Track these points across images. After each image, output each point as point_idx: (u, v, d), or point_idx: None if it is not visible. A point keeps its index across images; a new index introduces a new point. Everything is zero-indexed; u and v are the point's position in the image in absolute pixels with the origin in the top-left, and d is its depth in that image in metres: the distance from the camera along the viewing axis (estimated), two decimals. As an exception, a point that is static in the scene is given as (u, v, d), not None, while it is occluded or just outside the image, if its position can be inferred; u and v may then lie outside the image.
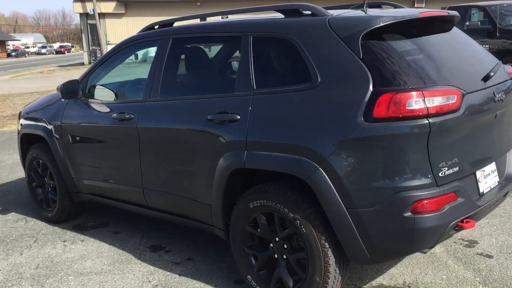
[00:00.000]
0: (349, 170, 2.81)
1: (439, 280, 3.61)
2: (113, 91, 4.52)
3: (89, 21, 36.02)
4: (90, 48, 35.67)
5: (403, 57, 2.92)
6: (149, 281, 3.81)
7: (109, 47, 18.81)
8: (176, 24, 4.12)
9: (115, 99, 4.42)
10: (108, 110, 4.27)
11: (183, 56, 4.01)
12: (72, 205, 5.01)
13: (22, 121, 5.29)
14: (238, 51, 3.63)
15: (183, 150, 3.67)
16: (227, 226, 3.55)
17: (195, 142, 3.56)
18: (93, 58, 32.82)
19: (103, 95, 4.48)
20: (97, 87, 4.53)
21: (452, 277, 3.64)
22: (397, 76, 2.80)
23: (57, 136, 4.75)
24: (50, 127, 4.81)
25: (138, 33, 4.33)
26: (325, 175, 2.86)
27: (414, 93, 2.71)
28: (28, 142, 5.33)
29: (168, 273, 3.93)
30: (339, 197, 2.85)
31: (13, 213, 5.51)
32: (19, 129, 5.33)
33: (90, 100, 4.49)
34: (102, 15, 35.02)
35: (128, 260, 4.20)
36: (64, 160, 4.75)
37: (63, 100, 4.77)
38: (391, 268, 3.81)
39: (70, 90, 4.47)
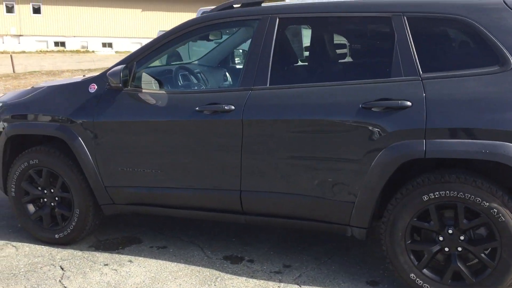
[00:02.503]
0: None
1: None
2: (177, 80, 3.81)
3: None
4: None
5: None
6: (275, 296, 3.32)
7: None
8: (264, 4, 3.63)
9: (184, 89, 3.72)
10: (184, 102, 3.58)
11: (299, 39, 3.55)
12: (95, 220, 4.10)
13: (7, 119, 4.13)
14: (382, 33, 3.33)
15: (319, 144, 3.26)
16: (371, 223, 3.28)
17: (339, 134, 3.19)
18: None
19: (164, 84, 3.74)
20: (154, 75, 3.77)
21: None
22: None
23: (86, 137, 3.83)
24: (73, 126, 3.85)
25: (209, 13, 3.71)
26: None
27: None
28: (14, 146, 4.19)
29: (284, 284, 3.46)
30: None
31: (-14, 239, 4.30)
32: (3, 129, 4.15)
33: (146, 91, 3.71)
34: None
35: (216, 276, 3.59)
36: (94, 166, 3.84)
37: (92, 91, 3.86)
38: None
39: (122, 79, 3.62)
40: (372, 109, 3.09)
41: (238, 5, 3.66)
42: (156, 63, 4.08)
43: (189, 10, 33.04)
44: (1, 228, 4.53)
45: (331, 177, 3.27)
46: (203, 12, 12.30)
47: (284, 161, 3.37)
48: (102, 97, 3.81)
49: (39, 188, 4.13)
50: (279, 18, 3.44)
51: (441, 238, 3.11)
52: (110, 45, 33.66)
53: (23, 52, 30.57)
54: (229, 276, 3.59)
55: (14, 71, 18.27)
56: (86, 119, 3.82)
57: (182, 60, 7.16)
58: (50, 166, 4.00)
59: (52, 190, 4.09)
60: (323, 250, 3.94)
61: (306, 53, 3.62)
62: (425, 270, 3.18)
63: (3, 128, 4.13)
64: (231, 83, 3.80)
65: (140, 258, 3.89)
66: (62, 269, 3.76)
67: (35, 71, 18.78)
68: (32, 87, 4.60)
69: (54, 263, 3.85)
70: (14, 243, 4.21)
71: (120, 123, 3.75)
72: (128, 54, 3.97)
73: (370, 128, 3.10)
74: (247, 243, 4.08)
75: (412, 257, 3.19)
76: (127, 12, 33.02)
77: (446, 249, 3.12)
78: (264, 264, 3.75)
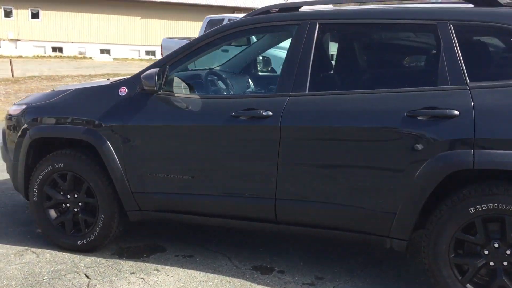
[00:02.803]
0: None
1: None
2: (209, 85, 3.72)
3: None
4: None
5: None
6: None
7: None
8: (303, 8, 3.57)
9: (218, 94, 3.64)
10: (219, 107, 3.50)
11: (340, 45, 3.48)
12: (119, 227, 3.98)
13: (32, 122, 4.02)
14: (428, 40, 3.27)
15: (361, 153, 3.18)
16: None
17: (382, 142, 3.12)
18: None
19: (195, 89, 3.66)
20: (186, 79, 3.69)
21: None
22: None
23: (114, 142, 3.72)
24: (101, 129, 3.75)
25: (245, 17, 3.64)
26: None
27: None
28: (37, 150, 4.07)
29: (319, 296, 3.37)
30: None
31: (5, 245, 4.16)
32: (27, 132, 4.03)
33: (178, 95, 3.62)
34: None
35: (247, 286, 3.49)
36: (122, 171, 3.74)
37: (122, 94, 3.76)
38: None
39: (152, 83, 3.52)
40: (418, 117, 3.02)
41: (276, 10, 3.59)
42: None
43: (189, 18, 33.08)
44: (19, 234, 4.40)
45: (372, 187, 3.19)
46: (210, 21, 12.26)
47: (323, 169, 3.29)
48: (132, 101, 3.71)
49: (62, 193, 4.01)
50: (319, 24, 3.37)
51: (486, 252, 3.03)
52: (108, 51, 33.54)
53: (20, 57, 30.39)
54: (260, 287, 3.49)
55: (13, 76, 18.11)
56: (115, 123, 3.72)
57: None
58: (76, 171, 3.89)
59: (75, 195, 3.97)
60: (354, 262, 3.84)
61: (347, 60, 3.55)
62: (468, 285, 3.09)
63: (27, 131, 4.01)
64: (267, 88, 3.72)
65: (167, 267, 3.77)
66: (87, 277, 3.64)
67: (34, 76, 18.62)
68: (53, 90, 4.50)
69: (78, 270, 3.73)
70: (34, 249, 4.08)
71: (152, 127, 3.65)
72: (159, 58, 3.86)
73: (415, 137, 3.03)
74: (275, 253, 3.98)
75: (455, 271, 3.10)
76: (125, 19, 32.96)
77: (491, 263, 3.03)
78: (295, 275, 3.65)
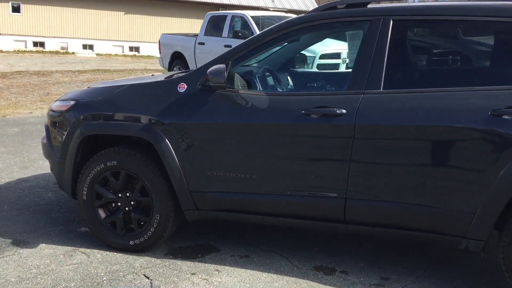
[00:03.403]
0: None
1: None
2: (272, 81, 3.65)
3: None
4: None
5: None
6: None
7: None
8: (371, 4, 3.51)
9: (283, 91, 3.57)
10: (287, 105, 3.43)
11: (415, 41, 3.44)
12: (173, 227, 3.89)
13: (83, 118, 3.89)
14: (509, 38, 3.22)
15: (439, 152, 3.15)
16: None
17: (463, 142, 3.09)
18: None
19: (257, 85, 3.58)
20: (246, 75, 3.62)
21: None
22: None
23: (173, 139, 3.62)
24: (159, 127, 3.64)
25: (311, 13, 3.57)
26: None
27: None
28: (87, 147, 3.95)
29: (390, 297, 3.34)
30: None
31: (50, 245, 4.03)
32: (77, 128, 3.89)
33: (242, 92, 3.54)
34: None
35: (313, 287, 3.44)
36: (180, 169, 3.64)
37: (181, 91, 3.66)
38: None
39: (221, 79, 3.44)
40: (503, 116, 3.00)
41: (343, 6, 3.53)
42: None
43: (172, 15, 32.77)
44: (61, 233, 4.26)
45: (450, 187, 3.16)
46: (212, 17, 12.12)
47: (397, 168, 3.25)
48: (193, 97, 3.62)
49: (113, 192, 3.90)
50: (393, 20, 3.32)
51: None
52: (91, 47, 33.00)
53: (1, 51, 29.71)
54: (327, 287, 3.44)
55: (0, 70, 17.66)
56: (175, 120, 3.62)
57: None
58: (130, 169, 3.78)
59: (127, 194, 3.86)
60: (414, 262, 3.82)
61: (424, 57, 3.51)
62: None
63: (77, 128, 3.88)
64: (335, 86, 3.65)
65: (227, 268, 3.69)
66: (148, 278, 3.54)
67: (22, 71, 18.19)
68: (89, 87, 4.37)
69: (135, 271, 3.63)
70: (82, 249, 3.96)
71: (215, 125, 3.57)
72: (219, 56, 3.77)
73: (500, 136, 3.01)
74: (332, 253, 3.93)
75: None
76: (109, 15, 32.46)
77: None
78: (360, 276, 3.61)
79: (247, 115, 3.50)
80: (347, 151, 3.29)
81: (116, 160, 3.80)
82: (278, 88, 3.83)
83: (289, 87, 4.07)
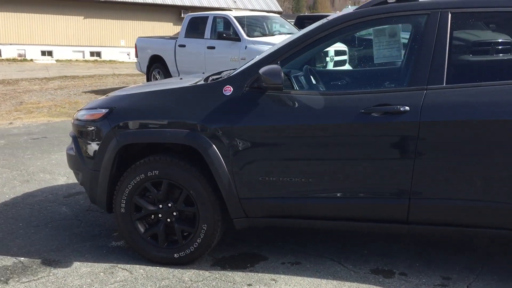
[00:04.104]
0: None
1: None
2: (320, 80, 3.52)
3: None
4: None
5: None
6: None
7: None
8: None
9: (338, 90, 3.45)
10: (344, 104, 3.31)
11: (475, 34, 3.36)
12: (220, 236, 3.71)
13: (119, 127, 3.66)
14: None
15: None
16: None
17: None
18: None
19: (309, 85, 3.46)
20: (299, 74, 3.47)
21: None
22: None
23: (221, 145, 3.45)
24: (206, 132, 3.46)
25: (361, 9, 3.45)
26: None
27: None
28: (122, 156, 3.73)
29: (460, 297, 3.26)
30: None
31: (85, 263, 3.78)
32: (113, 138, 3.66)
33: (295, 92, 3.40)
34: None
35: (380, 292, 3.34)
36: (230, 176, 3.47)
37: (227, 94, 3.49)
38: None
39: (278, 80, 3.28)
40: None
41: (393, 0, 3.43)
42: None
43: (136, 18, 32.24)
44: (92, 249, 4.01)
45: None
46: (192, 19, 11.80)
47: (464, 164, 3.17)
48: (241, 100, 3.45)
49: (153, 203, 3.68)
50: (451, 13, 3.25)
51: None
52: (50, 53, 32.06)
53: (-47, 59, 28.52)
54: (394, 291, 3.34)
55: (-41, 79, 16.88)
56: (222, 125, 3.44)
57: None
58: (173, 178, 3.58)
59: (169, 205, 3.65)
60: (467, 260, 3.74)
61: (485, 50, 3.43)
62: None
63: (113, 137, 3.65)
64: (393, 82, 3.54)
65: (282, 276, 3.54)
66: (203, 292, 3.35)
67: (-16, 80, 17.46)
68: (107, 95, 4.14)
69: (187, 285, 3.44)
70: (121, 265, 3.73)
71: (267, 128, 3.40)
72: (264, 53, 3.61)
73: None
74: (383, 255, 3.83)
75: None
76: (68, 19, 31.62)
77: None
78: (420, 277, 3.52)
79: (302, 117, 3.36)
80: (411, 149, 3.20)
81: (158, 170, 3.59)
82: (329, 88, 3.69)
83: (340, 85, 3.94)
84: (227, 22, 10.73)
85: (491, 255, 3.83)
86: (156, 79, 12.40)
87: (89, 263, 3.77)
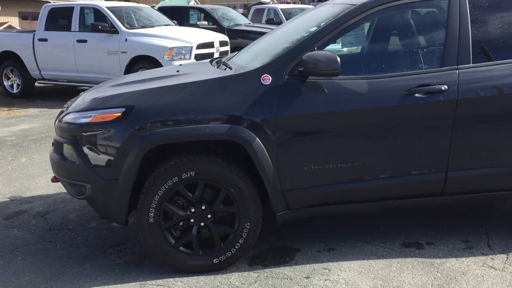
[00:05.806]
0: None
1: None
2: (359, 64, 3.53)
3: None
4: None
5: None
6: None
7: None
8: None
9: (378, 74, 3.48)
10: (387, 86, 3.38)
11: (495, 14, 3.59)
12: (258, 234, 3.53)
13: (145, 127, 3.25)
14: None
15: None
16: None
17: None
18: None
19: (350, 69, 3.45)
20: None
21: None
22: None
23: (265, 137, 3.28)
24: (248, 125, 3.25)
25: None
26: None
27: None
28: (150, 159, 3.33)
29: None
30: None
31: (112, 285, 3.32)
32: (137, 140, 3.23)
33: (337, 78, 3.35)
34: None
35: (432, 263, 3.50)
36: (274, 168, 3.34)
37: (266, 83, 3.32)
38: None
39: (336, 65, 3.22)
40: None
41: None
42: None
43: None
44: (109, 267, 3.55)
45: None
46: (51, 10, 10.75)
47: (495, 135, 3.47)
48: (283, 89, 3.31)
49: (184, 208, 3.37)
50: None
51: None
52: None
53: None
54: (439, 260, 3.52)
55: None
56: (265, 116, 3.27)
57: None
58: (212, 178, 3.30)
59: (203, 207, 3.37)
60: (482, 227, 4.02)
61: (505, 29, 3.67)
62: None
63: (136, 139, 3.24)
64: (427, 63, 3.62)
65: (331, 264, 3.51)
66: (267, 294, 3.18)
67: None
68: (97, 90, 3.67)
69: (240, 290, 3.23)
70: (151, 282, 3.34)
71: (312, 116, 3.31)
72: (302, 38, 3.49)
73: None
74: (399, 230, 3.99)
75: None
76: None
77: None
78: (447, 244, 3.76)
79: (347, 102, 3.34)
80: (449, 126, 3.39)
81: (194, 170, 3.28)
82: (369, 71, 3.66)
83: (378, 68, 3.91)
84: (99, 13, 9.96)
85: (487, 216, 4.24)
86: (9, 77, 11.01)
87: (111, 286, 3.31)
